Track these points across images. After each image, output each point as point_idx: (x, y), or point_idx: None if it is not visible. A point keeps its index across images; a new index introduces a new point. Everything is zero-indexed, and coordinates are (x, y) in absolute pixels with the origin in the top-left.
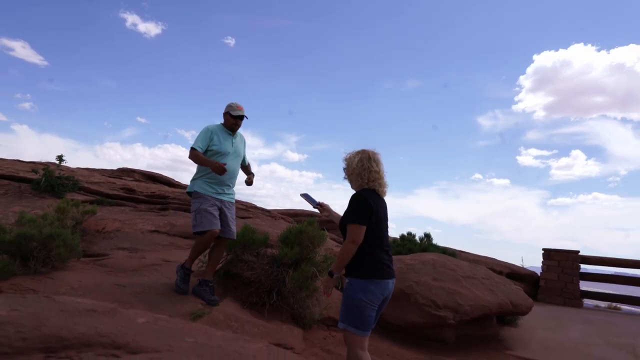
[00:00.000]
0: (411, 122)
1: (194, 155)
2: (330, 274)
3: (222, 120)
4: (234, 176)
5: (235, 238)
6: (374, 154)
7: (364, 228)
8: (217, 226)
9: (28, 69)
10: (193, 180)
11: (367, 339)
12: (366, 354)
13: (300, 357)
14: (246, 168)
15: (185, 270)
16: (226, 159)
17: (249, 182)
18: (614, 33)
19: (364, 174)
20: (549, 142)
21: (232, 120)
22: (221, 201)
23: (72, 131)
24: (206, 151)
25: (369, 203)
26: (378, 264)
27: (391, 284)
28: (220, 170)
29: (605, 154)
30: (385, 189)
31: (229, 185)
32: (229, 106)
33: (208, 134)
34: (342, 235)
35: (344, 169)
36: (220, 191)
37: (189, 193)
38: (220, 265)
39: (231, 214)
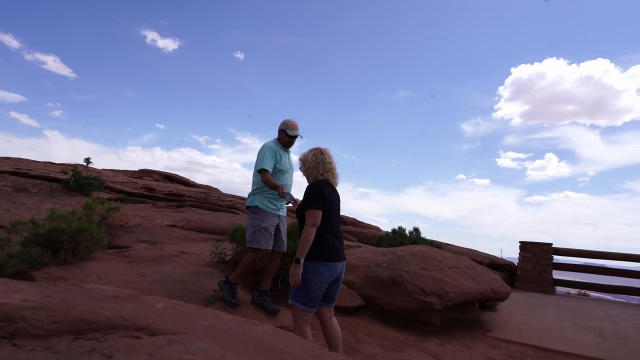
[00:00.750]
0: (402, 128)
1: (266, 177)
2: (297, 261)
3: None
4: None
5: (286, 251)
6: (325, 149)
7: (320, 212)
8: (271, 246)
9: (59, 80)
10: (253, 194)
11: (312, 314)
12: (309, 328)
13: (303, 338)
14: None
15: (231, 285)
16: (286, 175)
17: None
18: (583, 48)
19: (319, 166)
20: (525, 146)
21: (287, 139)
22: (278, 217)
23: (98, 136)
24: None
25: (322, 191)
26: (328, 248)
27: (340, 265)
28: (281, 195)
29: (575, 157)
30: (337, 179)
31: (283, 203)
32: (285, 124)
33: (273, 153)
34: (299, 222)
35: (301, 167)
36: (279, 207)
37: (249, 207)
38: (230, 256)
39: (284, 228)
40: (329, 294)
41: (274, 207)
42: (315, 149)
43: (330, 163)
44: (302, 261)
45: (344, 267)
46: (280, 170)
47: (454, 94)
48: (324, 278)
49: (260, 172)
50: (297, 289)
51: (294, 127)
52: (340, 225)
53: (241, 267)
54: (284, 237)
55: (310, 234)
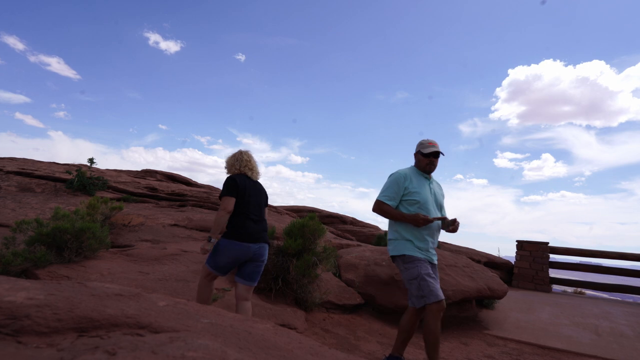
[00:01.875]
0: (400, 128)
1: (381, 209)
2: (209, 239)
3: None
4: (438, 231)
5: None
6: (245, 150)
7: (232, 199)
8: (442, 295)
9: (63, 82)
10: (394, 240)
11: (216, 276)
12: (210, 284)
13: (303, 336)
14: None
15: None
16: (428, 206)
17: (453, 229)
18: (579, 50)
19: (236, 163)
20: (521, 147)
21: (426, 160)
22: (430, 264)
23: (102, 137)
24: (400, 202)
25: (235, 180)
26: (241, 229)
27: (255, 247)
28: (423, 221)
29: (571, 157)
30: (256, 174)
31: (434, 243)
32: (420, 144)
33: (400, 181)
34: None
35: (225, 167)
36: (426, 248)
37: (394, 257)
38: None
39: (437, 277)
40: (247, 273)
41: (424, 250)
42: (236, 150)
43: (248, 161)
44: (212, 240)
45: (264, 250)
46: (416, 203)
47: (452, 95)
48: (232, 254)
49: (375, 204)
50: (211, 256)
51: (430, 144)
52: (262, 211)
53: (400, 334)
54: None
55: (221, 217)
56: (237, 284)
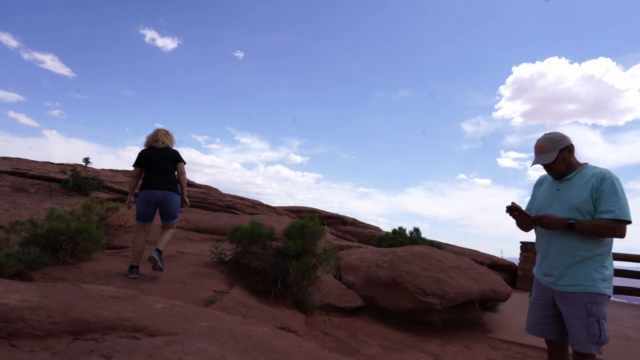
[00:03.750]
0: (401, 128)
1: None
2: (127, 199)
3: None
4: (554, 243)
5: (584, 351)
6: (159, 128)
7: (137, 169)
8: (536, 332)
9: (57, 80)
10: None
11: (146, 227)
12: (141, 235)
13: (302, 339)
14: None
15: None
16: (548, 210)
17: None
18: (585, 47)
19: (147, 140)
20: (526, 146)
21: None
22: (552, 290)
23: (97, 136)
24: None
25: (140, 154)
26: (146, 183)
27: (158, 193)
28: (521, 222)
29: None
30: (161, 143)
31: (556, 262)
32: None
33: (533, 188)
34: None
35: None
36: (545, 272)
37: None
38: (230, 256)
39: (574, 315)
40: (163, 215)
41: (539, 273)
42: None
43: (154, 136)
44: (129, 198)
45: (167, 196)
46: (538, 207)
47: (454, 93)
48: (142, 201)
49: None
50: (136, 211)
51: (537, 150)
52: (166, 167)
53: None
54: (579, 331)
55: (130, 182)
56: (162, 223)
